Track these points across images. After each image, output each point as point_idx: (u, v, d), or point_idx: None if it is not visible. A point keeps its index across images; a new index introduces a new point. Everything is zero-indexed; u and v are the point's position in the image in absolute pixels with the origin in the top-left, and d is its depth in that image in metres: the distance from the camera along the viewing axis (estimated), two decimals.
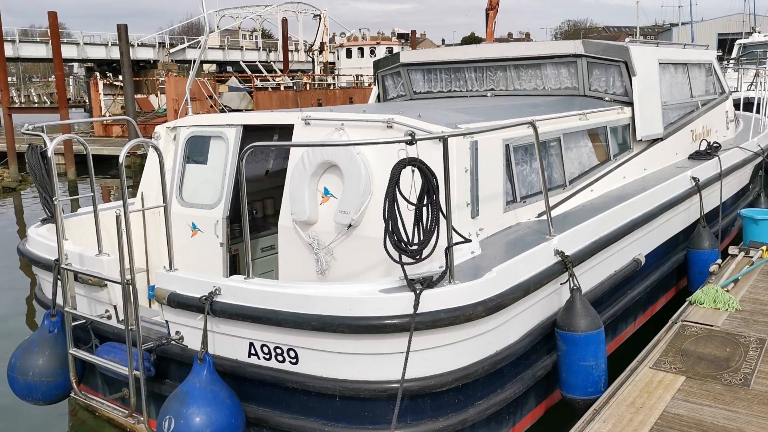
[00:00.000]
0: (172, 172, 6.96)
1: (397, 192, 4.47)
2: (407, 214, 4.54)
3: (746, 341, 6.05)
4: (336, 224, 5.78)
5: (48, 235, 6.38)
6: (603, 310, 6.41)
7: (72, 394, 5.90)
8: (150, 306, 6.35)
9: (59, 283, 5.72)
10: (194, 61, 7.27)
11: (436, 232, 4.59)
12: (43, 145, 5.72)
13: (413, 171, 4.47)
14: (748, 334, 6.21)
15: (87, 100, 58.24)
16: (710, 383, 5.34)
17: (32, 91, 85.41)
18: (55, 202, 5.66)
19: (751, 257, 8.20)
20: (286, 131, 6.44)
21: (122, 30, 25.25)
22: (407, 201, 4.52)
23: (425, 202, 4.55)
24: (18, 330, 9.41)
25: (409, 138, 4.38)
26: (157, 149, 5.43)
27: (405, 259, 4.55)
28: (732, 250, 8.48)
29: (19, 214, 20.52)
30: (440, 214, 4.59)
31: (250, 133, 6.71)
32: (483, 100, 8.56)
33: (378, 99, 10.22)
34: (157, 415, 4.94)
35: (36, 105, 66.05)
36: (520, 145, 6.28)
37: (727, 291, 7.10)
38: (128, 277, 5.02)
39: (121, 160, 4.94)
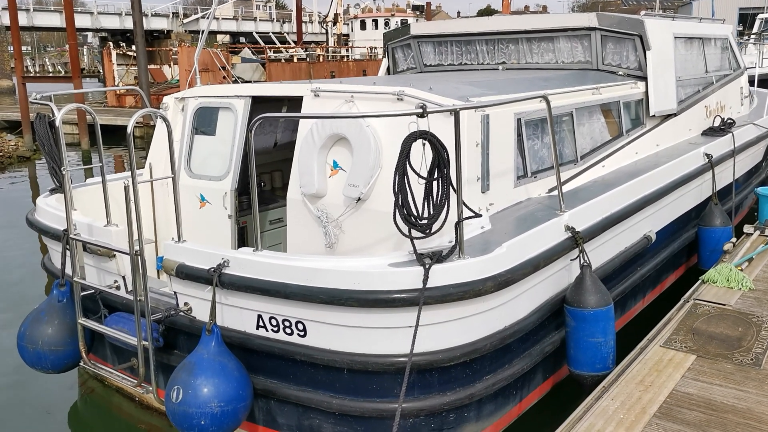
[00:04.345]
0: (180, 143, 6.93)
1: (408, 165, 4.41)
2: (417, 187, 4.49)
3: (759, 321, 6.00)
4: (345, 197, 5.74)
5: (56, 205, 6.37)
6: (612, 286, 6.37)
7: (81, 364, 5.94)
8: (159, 277, 6.35)
9: (68, 253, 5.73)
10: (202, 33, 7.21)
11: (446, 206, 4.54)
12: (51, 115, 5.70)
13: (424, 144, 4.42)
14: (761, 313, 6.16)
15: (101, 70, 58.26)
16: (721, 362, 5.30)
17: (47, 60, 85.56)
18: (64, 172, 5.65)
19: (767, 236, 8.12)
20: (295, 103, 6.38)
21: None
22: (417, 174, 4.46)
23: (435, 176, 4.49)
24: (31, 298, 9.47)
25: (420, 111, 4.31)
26: (165, 120, 5.39)
27: (414, 233, 4.51)
28: (747, 228, 8.39)
29: (33, 183, 20.62)
30: (450, 188, 4.53)
31: (258, 104, 6.66)
32: (494, 73, 8.45)
33: (388, 71, 10.10)
34: (166, 385, 4.96)
35: (50, 74, 66.13)
36: (532, 119, 6.20)
37: (741, 270, 7.04)
38: (137, 248, 5.01)
39: (129, 130, 4.89)
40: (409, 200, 4.45)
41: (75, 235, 5.68)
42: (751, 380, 5.04)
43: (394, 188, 4.43)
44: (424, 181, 4.50)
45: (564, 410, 4.92)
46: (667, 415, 4.62)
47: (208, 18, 7.31)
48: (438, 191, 4.51)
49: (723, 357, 5.38)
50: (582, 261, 5.44)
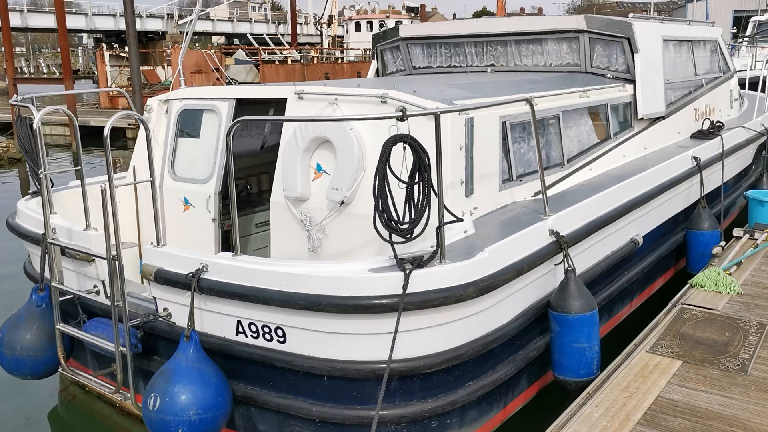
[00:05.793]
0: (164, 145, 6.85)
1: (388, 169, 4.35)
2: (399, 192, 4.43)
3: (746, 326, 5.95)
4: (328, 201, 5.67)
5: (36, 208, 6.29)
6: (598, 291, 6.31)
7: (59, 370, 5.86)
8: (142, 282, 6.28)
9: (47, 257, 5.65)
10: (186, 34, 7.14)
11: (427, 210, 4.48)
12: (32, 116, 5.63)
13: (404, 148, 4.36)
14: (749, 318, 6.11)
15: (95, 71, 58.19)
16: (707, 368, 5.25)
17: (41, 61, 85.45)
18: (41, 175, 5.58)
19: (756, 240, 8.07)
20: (280, 105, 6.33)
21: (128, 0, 24.94)
22: (398, 179, 4.41)
23: (416, 180, 4.43)
24: (14, 301, 9.36)
25: (400, 114, 4.26)
26: (144, 123, 5.33)
27: (395, 238, 4.45)
28: (736, 232, 8.35)
29: (24, 185, 20.49)
30: (432, 192, 4.48)
31: (244, 107, 6.59)
32: (482, 75, 8.39)
33: (377, 73, 10.05)
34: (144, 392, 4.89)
35: (45, 75, 66.00)
36: (518, 122, 6.14)
37: (730, 274, 6.98)
38: (114, 252, 4.94)
39: (105, 133, 4.82)
40: (390, 205, 4.39)
41: (53, 239, 5.61)
42: (737, 386, 4.98)
43: (374, 192, 4.38)
44: (405, 185, 4.45)
45: (550, 415, 4.86)
46: (652, 422, 4.56)
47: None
48: (419, 195, 4.45)
49: (709, 363, 5.33)
50: (566, 265, 5.39)
